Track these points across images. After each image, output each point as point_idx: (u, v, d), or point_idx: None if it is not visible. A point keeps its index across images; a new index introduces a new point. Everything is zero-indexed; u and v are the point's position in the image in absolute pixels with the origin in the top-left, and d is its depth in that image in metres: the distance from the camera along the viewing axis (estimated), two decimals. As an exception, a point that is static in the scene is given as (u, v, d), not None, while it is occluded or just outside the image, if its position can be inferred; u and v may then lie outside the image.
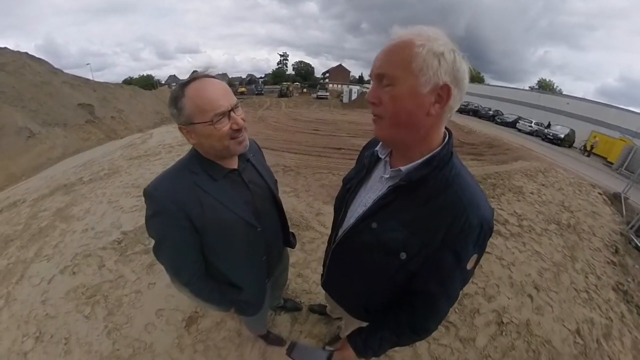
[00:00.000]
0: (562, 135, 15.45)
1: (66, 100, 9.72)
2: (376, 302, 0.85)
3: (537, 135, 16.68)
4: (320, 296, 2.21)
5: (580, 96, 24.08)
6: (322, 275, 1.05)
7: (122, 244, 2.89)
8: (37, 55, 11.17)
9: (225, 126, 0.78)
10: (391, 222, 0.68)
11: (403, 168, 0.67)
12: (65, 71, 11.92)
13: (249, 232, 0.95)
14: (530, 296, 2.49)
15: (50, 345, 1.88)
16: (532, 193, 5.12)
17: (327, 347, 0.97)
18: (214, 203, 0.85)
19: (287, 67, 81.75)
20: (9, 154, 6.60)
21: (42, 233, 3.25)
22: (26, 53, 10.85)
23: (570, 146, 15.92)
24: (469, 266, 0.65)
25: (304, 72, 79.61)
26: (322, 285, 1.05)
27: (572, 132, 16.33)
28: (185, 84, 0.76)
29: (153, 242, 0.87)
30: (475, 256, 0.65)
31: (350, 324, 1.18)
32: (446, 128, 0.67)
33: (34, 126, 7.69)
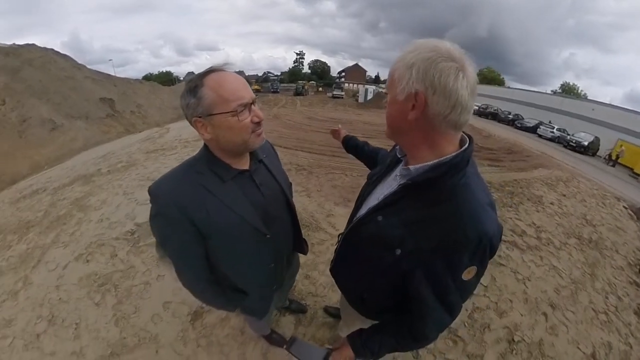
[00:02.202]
0: (586, 143, 14.84)
1: (88, 95, 10.12)
2: (372, 295, 0.87)
3: (558, 142, 16.09)
4: (326, 299, 2.18)
5: (607, 102, 23.00)
6: (331, 260, 1.07)
7: (134, 235, 2.96)
8: (62, 52, 11.76)
9: (247, 118, 0.75)
10: (394, 219, 0.71)
11: (412, 167, 0.69)
12: (89, 67, 12.46)
13: (257, 239, 0.91)
14: (544, 314, 2.36)
15: (62, 329, 1.95)
16: (552, 203, 4.88)
17: (327, 346, 0.96)
18: (220, 206, 0.80)
19: (303, 65, 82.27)
20: (34, 144, 6.93)
21: (60, 221, 3.37)
22: (52, 49, 11.40)
23: (594, 155, 15.26)
24: (465, 277, 0.64)
25: (319, 70, 79.77)
26: (330, 270, 1.07)
27: (597, 139, 15.63)
28: (204, 74, 0.73)
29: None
30: (473, 268, 0.64)
31: (347, 322, 1.19)
32: (468, 135, 0.68)
33: (58, 118, 8.04)
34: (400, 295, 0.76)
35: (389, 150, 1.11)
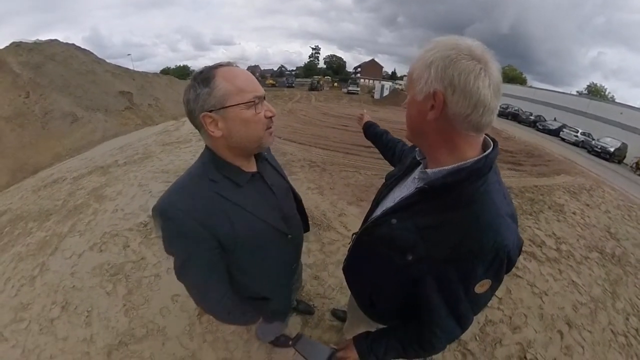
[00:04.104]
0: (612, 149, 14.08)
1: (108, 88, 10.45)
2: (381, 298, 0.86)
3: (582, 147, 15.34)
4: (334, 301, 2.14)
5: (637, 105, 21.68)
6: (345, 259, 1.06)
7: (147, 227, 3.02)
8: (83, 47, 12.22)
9: (262, 111, 0.71)
10: (408, 222, 0.69)
11: (430, 171, 0.67)
12: (108, 61, 12.89)
13: (281, 241, 0.88)
14: (560, 332, 2.24)
15: (74, 315, 2.01)
16: (574, 213, 4.62)
17: (332, 346, 0.94)
18: (244, 214, 0.75)
19: (318, 60, 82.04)
20: (56, 136, 7.22)
21: (77, 210, 3.48)
22: (73, 44, 11.84)
23: (620, 162, 14.47)
24: (478, 290, 0.62)
25: (335, 66, 79.35)
26: (342, 269, 1.06)
27: (624, 146, 14.83)
28: (214, 67, 0.69)
29: (173, 260, 0.77)
30: (487, 281, 0.61)
31: (352, 324, 1.18)
32: (492, 139, 0.66)
33: (78, 111, 8.34)
34: (409, 301, 0.74)
35: (409, 144, 1.08)
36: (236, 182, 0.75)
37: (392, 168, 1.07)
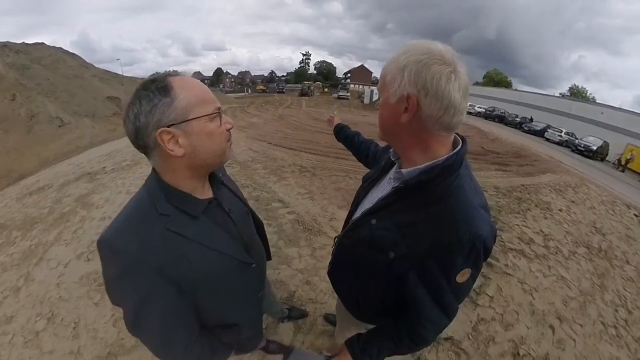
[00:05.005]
0: (595, 147, 14.58)
1: (96, 93, 10.26)
2: (367, 298, 0.87)
3: (566, 146, 15.83)
4: (327, 306, 2.13)
5: (617, 105, 22.49)
6: (329, 263, 1.06)
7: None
8: (71, 51, 12.03)
9: (223, 124, 0.66)
10: (387, 222, 0.71)
11: (404, 171, 0.68)
12: (98, 66, 12.71)
13: (244, 272, 0.82)
14: (551, 327, 2.28)
15: (61, 327, 1.94)
16: (560, 210, 4.76)
17: (325, 353, 0.94)
18: (202, 250, 0.66)
19: (309, 66, 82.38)
20: (42, 140, 7.02)
21: (64, 218, 3.39)
22: (61, 48, 11.66)
23: (602, 159, 14.98)
24: (459, 279, 0.64)
25: (325, 71, 79.83)
26: (327, 273, 1.06)
27: (606, 144, 15.36)
28: (167, 75, 0.60)
29: (123, 312, 0.65)
30: (467, 270, 0.64)
31: (342, 327, 1.18)
32: (461, 137, 0.69)
33: (65, 116, 8.15)
34: (395, 299, 0.76)
35: (381, 145, 1.10)
36: (190, 213, 0.66)
37: None
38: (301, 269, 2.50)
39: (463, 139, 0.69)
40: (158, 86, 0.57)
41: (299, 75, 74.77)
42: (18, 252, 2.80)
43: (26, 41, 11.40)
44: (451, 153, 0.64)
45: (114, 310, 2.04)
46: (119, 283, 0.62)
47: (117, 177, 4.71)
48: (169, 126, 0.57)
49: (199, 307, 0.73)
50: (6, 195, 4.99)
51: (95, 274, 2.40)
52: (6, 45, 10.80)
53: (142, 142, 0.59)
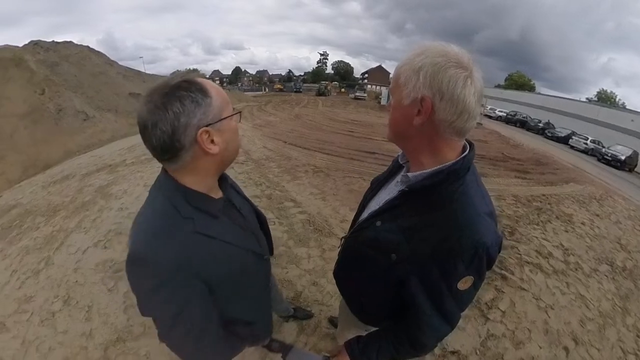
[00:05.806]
0: (623, 157, 13.78)
1: (119, 89, 10.69)
2: (370, 300, 0.87)
3: (592, 155, 15.07)
4: (332, 309, 2.10)
5: (650, 113, 21.16)
6: (335, 263, 1.06)
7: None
8: (97, 49, 12.55)
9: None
10: (392, 224, 0.71)
11: (410, 175, 0.68)
12: (121, 63, 13.22)
13: (258, 264, 0.86)
14: (566, 349, 2.14)
15: (75, 310, 2.04)
16: (583, 224, 4.48)
17: (324, 353, 0.93)
18: (226, 247, 0.69)
19: (326, 66, 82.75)
20: (68, 133, 7.38)
21: (84, 207, 3.55)
22: (87, 46, 12.22)
23: (631, 170, 14.12)
24: (460, 286, 0.63)
25: (343, 71, 79.83)
26: (333, 273, 1.07)
27: (635, 154, 14.49)
28: (195, 76, 0.63)
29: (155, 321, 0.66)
30: (470, 278, 0.63)
31: (344, 328, 1.18)
32: (468, 142, 0.68)
33: (90, 110, 8.54)
34: (397, 302, 0.76)
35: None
36: (212, 213, 0.67)
37: None
38: (309, 269, 2.50)
39: (471, 144, 0.68)
40: (198, 87, 0.58)
41: (316, 75, 75.15)
42: (41, 237, 2.96)
43: (56, 40, 12.08)
44: (458, 158, 0.64)
45: (125, 298, 2.11)
46: (155, 295, 0.61)
47: (136, 170, 4.88)
48: (207, 125, 0.59)
49: (218, 302, 0.74)
50: (33, 183, 5.29)
51: (110, 261, 2.50)
52: (37, 44, 11.46)
53: (176, 142, 0.57)
